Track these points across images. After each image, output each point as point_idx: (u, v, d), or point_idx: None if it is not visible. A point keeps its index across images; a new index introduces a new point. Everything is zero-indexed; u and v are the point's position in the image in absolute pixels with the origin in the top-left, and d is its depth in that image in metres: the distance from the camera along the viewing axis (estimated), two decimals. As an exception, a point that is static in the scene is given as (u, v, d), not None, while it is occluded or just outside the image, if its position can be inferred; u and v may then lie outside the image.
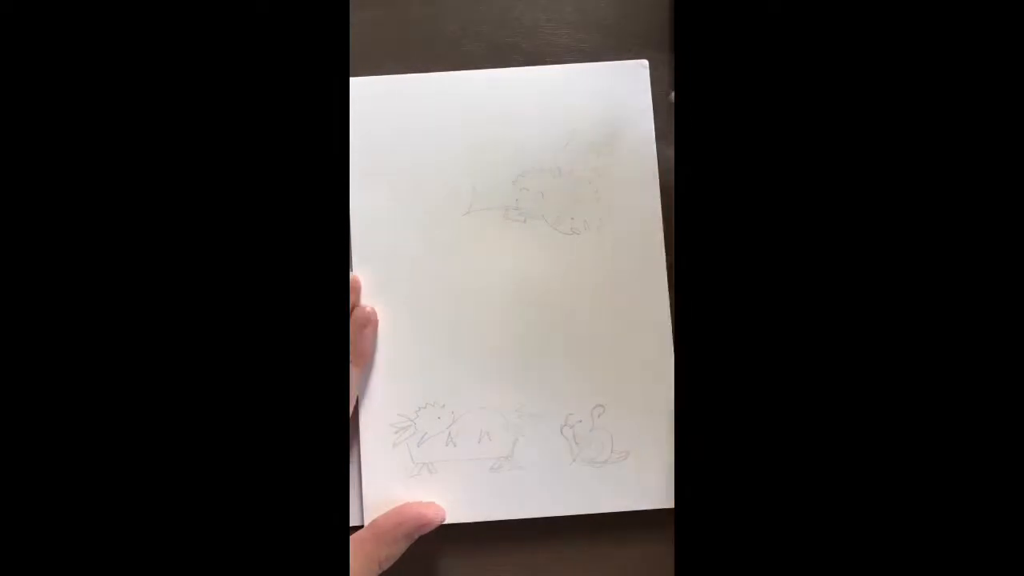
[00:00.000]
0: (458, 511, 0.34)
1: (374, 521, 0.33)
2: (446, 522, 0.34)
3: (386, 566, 0.32)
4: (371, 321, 0.34)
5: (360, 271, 0.35)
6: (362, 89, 0.36)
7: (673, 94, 0.36)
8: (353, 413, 0.34)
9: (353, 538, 0.32)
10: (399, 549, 0.32)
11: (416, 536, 0.33)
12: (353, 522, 0.34)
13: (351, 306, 0.34)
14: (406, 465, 0.34)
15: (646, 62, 0.37)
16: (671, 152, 0.36)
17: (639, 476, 0.34)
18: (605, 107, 0.36)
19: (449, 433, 0.35)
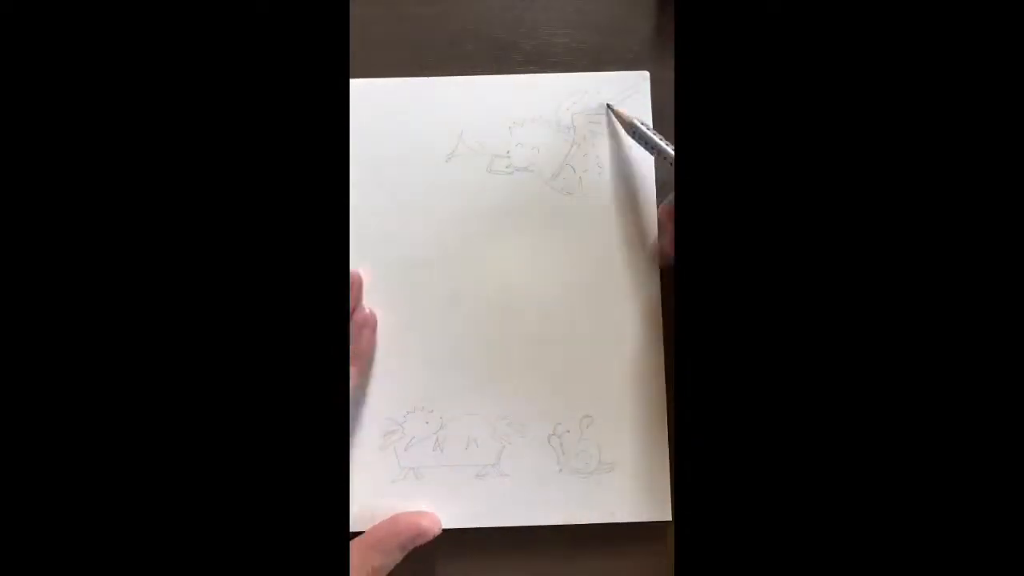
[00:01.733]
0: (442, 518, 0.34)
1: (370, 529, 0.33)
2: (431, 528, 0.34)
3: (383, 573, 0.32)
4: (369, 322, 0.34)
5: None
6: (362, 92, 0.36)
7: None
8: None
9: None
10: (393, 559, 0.32)
11: (411, 547, 0.33)
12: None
13: (352, 303, 0.34)
14: (392, 469, 0.34)
15: (647, 73, 0.36)
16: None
17: (625, 488, 0.34)
18: (605, 117, 0.36)
19: (436, 438, 0.35)
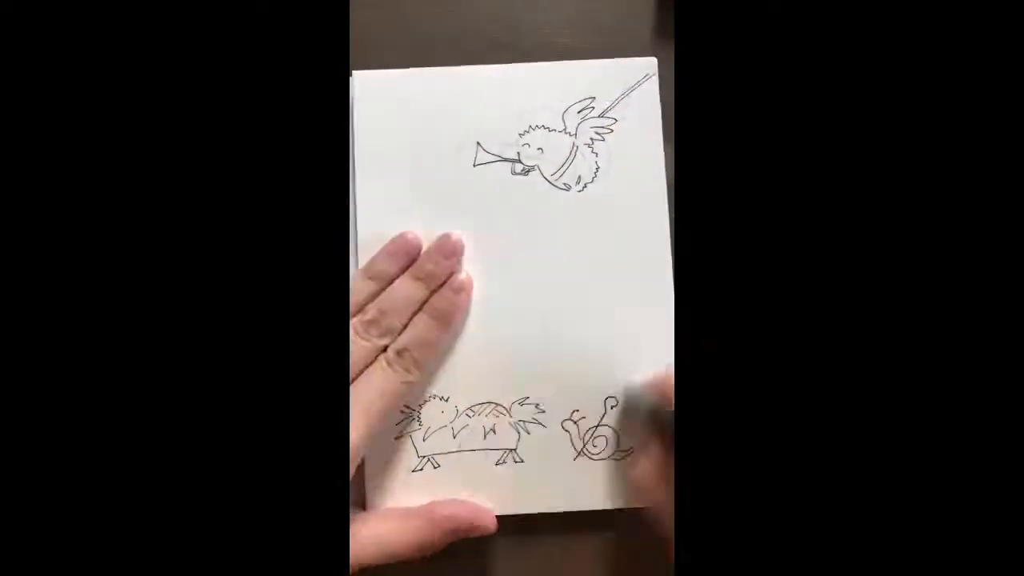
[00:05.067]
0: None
1: (431, 503, 0.33)
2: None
3: (426, 553, 0.31)
4: (466, 287, 0.34)
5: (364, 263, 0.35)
6: (367, 83, 0.37)
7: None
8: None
9: (405, 511, 0.32)
10: (442, 540, 0.32)
11: (462, 535, 0.32)
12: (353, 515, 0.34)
13: (453, 267, 0.34)
14: (409, 458, 0.34)
15: (655, 60, 0.36)
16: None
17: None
18: (611, 103, 0.36)
19: (453, 427, 0.34)
